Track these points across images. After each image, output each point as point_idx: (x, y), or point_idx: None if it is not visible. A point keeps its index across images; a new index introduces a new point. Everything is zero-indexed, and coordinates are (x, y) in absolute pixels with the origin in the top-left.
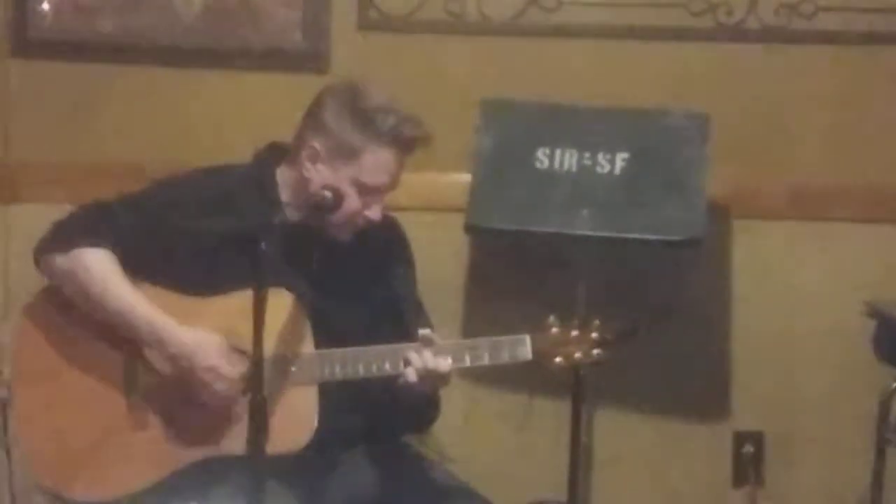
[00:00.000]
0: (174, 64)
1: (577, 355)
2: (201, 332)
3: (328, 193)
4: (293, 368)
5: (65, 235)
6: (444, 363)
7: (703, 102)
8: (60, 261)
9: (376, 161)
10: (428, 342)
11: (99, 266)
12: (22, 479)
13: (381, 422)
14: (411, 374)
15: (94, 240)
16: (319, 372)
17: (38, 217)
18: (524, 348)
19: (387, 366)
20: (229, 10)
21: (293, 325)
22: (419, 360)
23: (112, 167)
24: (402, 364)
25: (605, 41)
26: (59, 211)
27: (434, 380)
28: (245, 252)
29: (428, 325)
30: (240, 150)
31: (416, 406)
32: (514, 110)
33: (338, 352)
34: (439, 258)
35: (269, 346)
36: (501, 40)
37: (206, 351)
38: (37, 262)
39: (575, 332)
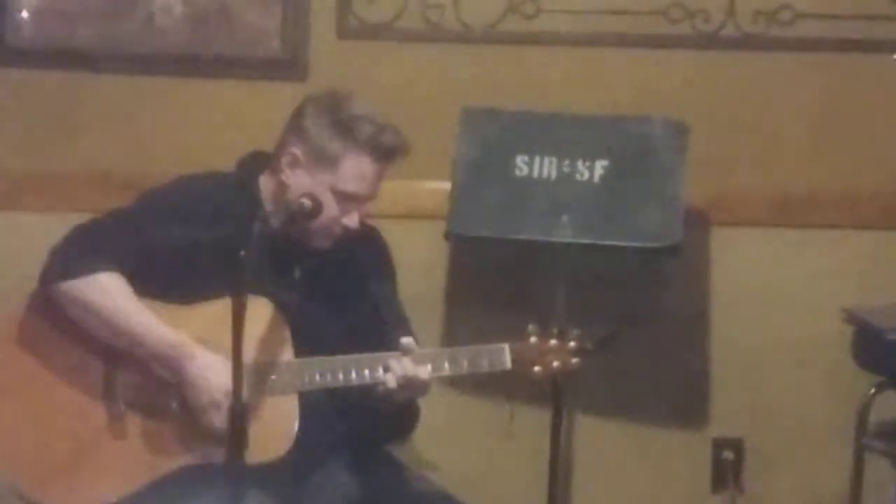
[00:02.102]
0: (153, 72)
1: (556, 364)
2: (219, 357)
3: (307, 201)
4: (273, 377)
5: (73, 261)
6: (424, 371)
7: (681, 110)
8: (73, 288)
9: (355, 169)
10: (408, 350)
11: (115, 290)
12: (2, 485)
13: (361, 430)
14: (391, 382)
15: (104, 263)
16: (299, 380)
17: (15, 226)
18: (503, 357)
19: (366, 374)
20: (208, 19)
21: (273, 333)
22: (399, 367)
23: (91, 175)
24: (381, 372)
25: (583, 49)
26: (35, 221)
27: (414, 388)
28: (225, 260)
29: (410, 333)
30: (220, 158)
31: (395, 414)
32: (494, 118)
33: (317, 360)
34: (419, 266)
35: (249, 354)
36: (480, 48)
37: (217, 385)
38: (47, 290)
39: (553, 342)
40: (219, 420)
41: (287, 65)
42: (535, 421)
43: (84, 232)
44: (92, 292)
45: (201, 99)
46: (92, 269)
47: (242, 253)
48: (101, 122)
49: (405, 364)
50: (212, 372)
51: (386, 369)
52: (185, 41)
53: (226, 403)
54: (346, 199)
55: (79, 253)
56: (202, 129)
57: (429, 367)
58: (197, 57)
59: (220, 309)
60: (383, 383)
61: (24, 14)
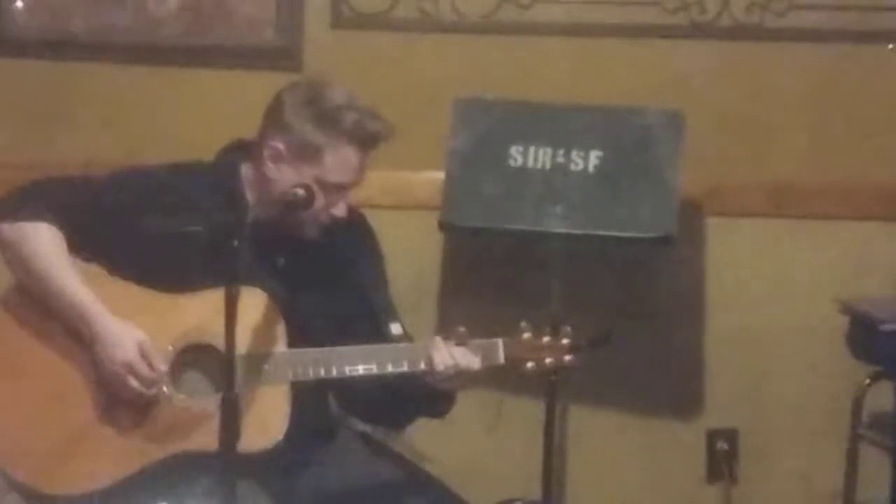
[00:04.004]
0: (148, 62)
1: (549, 361)
2: (127, 326)
3: (300, 191)
4: (266, 367)
5: (16, 205)
6: (475, 362)
7: (677, 100)
8: (6, 229)
9: (339, 159)
10: (462, 340)
11: (45, 242)
12: None
13: (390, 409)
14: (440, 369)
15: (44, 214)
16: (292, 371)
17: None
18: (496, 352)
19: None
20: (203, 8)
21: (266, 323)
22: (450, 357)
23: (85, 165)
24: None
25: (578, 39)
26: None
27: (462, 378)
28: (218, 249)
29: (397, 319)
30: (213, 148)
31: (432, 398)
32: (488, 108)
33: (310, 351)
34: (413, 256)
35: (242, 344)
36: (475, 38)
37: (126, 345)
38: None
39: (547, 338)
40: (122, 388)
41: (281, 54)
42: (529, 411)
43: (41, 184)
44: (24, 237)
45: (195, 88)
46: (32, 217)
47: (235, 242)
48: (95, 112)
49: (457, 354)
50: (114, 340)
51: (430, 361)
52: (178, 31)
53: (128, 372)
54: (333, 189)
55: (26, 200)
56: (196, 119)
57: (479, 358)
58: (191, 46)
59: (213, 298)
60: (430, 372)
61: (19, 4)
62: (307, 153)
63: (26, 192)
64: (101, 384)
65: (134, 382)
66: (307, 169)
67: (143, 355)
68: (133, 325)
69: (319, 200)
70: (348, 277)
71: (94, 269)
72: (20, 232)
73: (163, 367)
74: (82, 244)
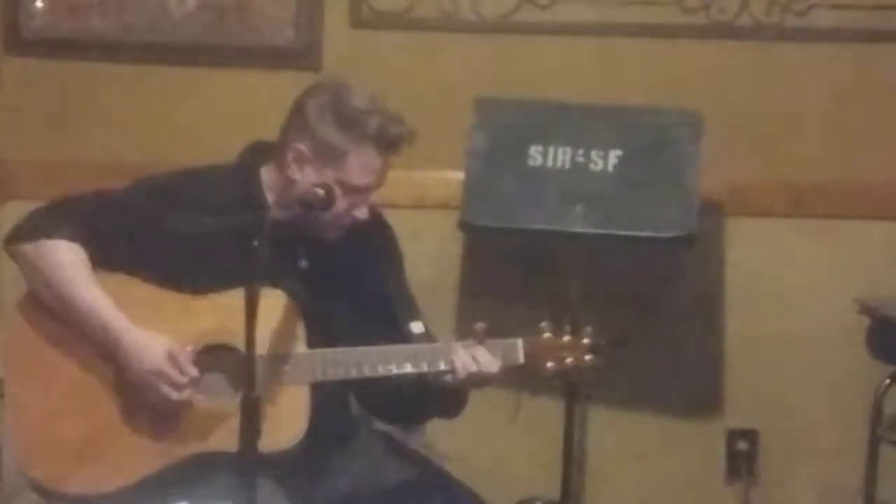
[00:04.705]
0: (167, 62)
1: (569, 361)
2: (152, 335)
3: (320, 191)
4: (286, 368)
5: (38, 225)
6: (494, 364)
7: (696, 100)
8: (29, 250)
9: (362, 162)
10: (481, 339)
11: (66, 260)
12: (13, 473)
13: (406, 407)
14: (460, 371)
15: (66, 233)
16: (312, 371)
17: None
18: (516, 352)
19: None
20: (222, 8)
21: (286, 323)
22: (470, 360)
23: (105, 165)
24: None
25: (598, 39)
26: None
27: (481, 380)
28: (238, 250)
29: (418, 318)
30: (233, 148)
31: (447, 396)
32: (508, 108)
33: (330, 352)
34: (432, 256)
35: (262, 344)
36: (495, 38)
37: (154, 352)
38: (6, 249)
39: (567, 338)
40: (153, 398)
41: (301, 54)
42: (548, 411)
43: (61, 202)
44: (43, 257)
45: (215, 88)
46: (51, 236)
47: (255, 243)
48: (116, 112)
49: (478, 356)
50: (142, 349)
51: (451, 363)
52: (198, 31)
53: (157, 381)
54: (355, 192)
55: (46, 219)
56: (216, 119)
57: (499, 360)
58: (211, 46)
59: (233, 299)
60: (451, 373)
61: (39, 4)
62: (330, 156)
63: (46, 211)
64: (121, 386)
65: (165, 389)
66: (330, 171)
67: (173, 361)
68: (157, 334)
69: (341, 202)
70: (369, 277)
71: (115, 276)
72: (42, 251)
73: (194, 371)
74: (104, 257)
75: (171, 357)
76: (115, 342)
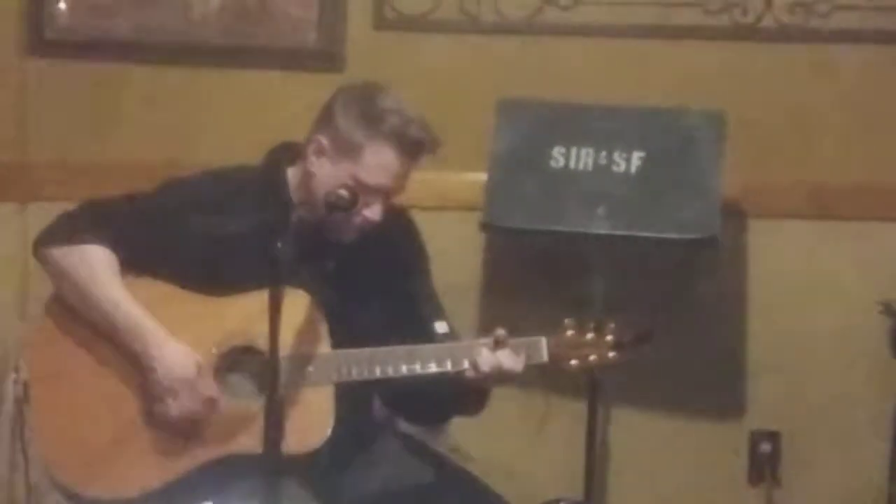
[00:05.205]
0: (190, 63)
1: (593, 358)
2: (182, 346)
3: (344, 192)
4: (310, 368)
5: (67, 229)
6: (519, 363)
7: (719, 101)
8: (58, 254)
9: (377, 160)
10: (501, 340)
11: (96, 263)
12: (38, 476)
13: (428, 406)
14: (485, 369)
15: (94, 237)
16: (336, 372)
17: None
18: (540, 350)
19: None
20: (245, 10)
21: (310, 324)
22: (493, 359)
23: (128, 166)
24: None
25: (621, 40)
26: None
27: (504, 378)
28: (262, 251)
29: (443, 318)
30: (255, 150)
31: (467, 394)
32: (530, 109)
33: (353, 352)
34: (455, 257)
35: (286, 345)
36: (517, 39)
37: (185, 363)
38: (35, 253)
39: (590, 335)
40: (174, 408)
41: (324, 56)
42: (571, 411)
43: (89, 206)
44: (72, 261)
45: (238, 90)
46: (81, 240)
47: (280, 244)
48: (139, 113)
49: (501, 354)
50: (173, 358)
51: (474, 362)
52: (221, 32)
53: (182, 392)
54: (367, 191)
55: (75, 223)
56: (239, 120)
57: (523, 358)
58: (233, 48)
59: (257, 300)
60: (472, 369)
61: (62, 5)
62: (347, 150)
63: (73, 215)
64: (146, 390)
65: (188, 402)
66: (346, 165)
67: (199, 373)
68: (186, 346)
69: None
70: (395, 277)
71: (142, 279)
72: (70, 256)
73: (215, 390)
74: (132, 261)
75: (199, 369)
76: (143, 347)
